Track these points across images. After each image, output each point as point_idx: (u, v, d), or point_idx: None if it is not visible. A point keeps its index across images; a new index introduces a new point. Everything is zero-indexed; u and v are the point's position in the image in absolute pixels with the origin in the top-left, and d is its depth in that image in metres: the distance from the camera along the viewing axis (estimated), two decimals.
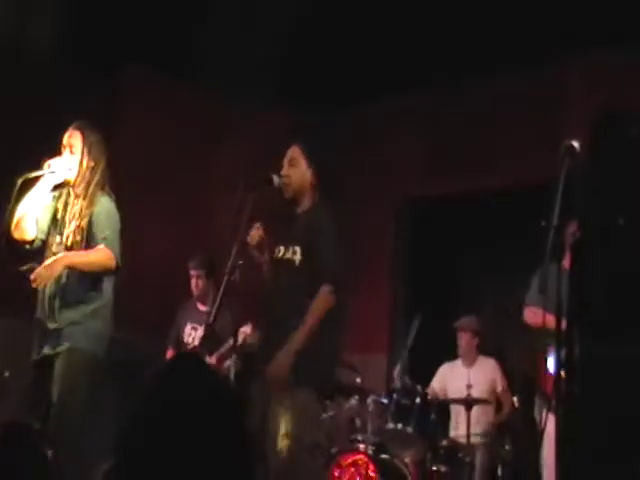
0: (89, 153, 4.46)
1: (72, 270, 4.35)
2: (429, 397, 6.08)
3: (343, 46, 6.89)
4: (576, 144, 3.80)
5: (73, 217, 4.38)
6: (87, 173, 4.44)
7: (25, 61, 6.49)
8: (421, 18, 6.53)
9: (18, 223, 4.39)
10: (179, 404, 1.81)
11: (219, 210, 6.71)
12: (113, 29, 6.53)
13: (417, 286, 7.83)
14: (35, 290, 4.39)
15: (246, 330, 5.71)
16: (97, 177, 4.46)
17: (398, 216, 7.99)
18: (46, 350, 4.35)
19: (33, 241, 4.46)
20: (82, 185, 4.42)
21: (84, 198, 4.40)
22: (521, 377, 6.59)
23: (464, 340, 6.41)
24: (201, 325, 6.18)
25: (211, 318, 3.99)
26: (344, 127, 7.98)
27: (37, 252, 4.47)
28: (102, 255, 4.32)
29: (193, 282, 6.30)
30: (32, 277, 4.20)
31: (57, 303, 4.38)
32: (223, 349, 5.96)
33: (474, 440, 5.86)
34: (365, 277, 7.43)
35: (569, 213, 3.93)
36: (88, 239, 4.35)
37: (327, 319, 3.94)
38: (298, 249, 4.07)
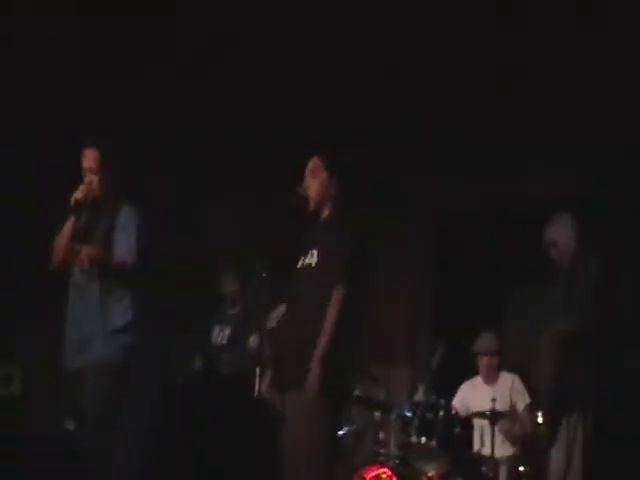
0: (108, 170, 4.63)
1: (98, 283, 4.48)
2: (458, 414, 6.03)
3: (370, 51, 6.89)
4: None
5: (98, 232, 4.60)
6: (108, 189, 4.65)
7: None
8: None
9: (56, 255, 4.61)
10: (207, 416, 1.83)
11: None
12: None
13: (443, 298, 7.79)
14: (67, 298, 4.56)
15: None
16: (118, 190, 4.66)
17: (423, 228, 7.97)
18: (75, 360, 4.44)
19: None
20: (105, 201, 4.64)
21: (106, 212, 4.61)
22: (547, 393, 6.54)
23: (483, 363, 6.39)
24: (229, 325, 6.38)
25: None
26: (374, 134, 7.95)
27: None
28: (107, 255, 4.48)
29: (226, 288, 6.48)
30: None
31: (84, 315, 4.51)
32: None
33: (498, 454, 5.82)
34: (389, 289, 7.41)
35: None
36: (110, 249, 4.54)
37: (341, 324, 3.95)
38: (315, 252, 4.15)
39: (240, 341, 6.15)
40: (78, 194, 4.59)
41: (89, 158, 4.65)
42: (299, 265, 4.21)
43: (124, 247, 4.53)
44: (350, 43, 6.82)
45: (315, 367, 3.86)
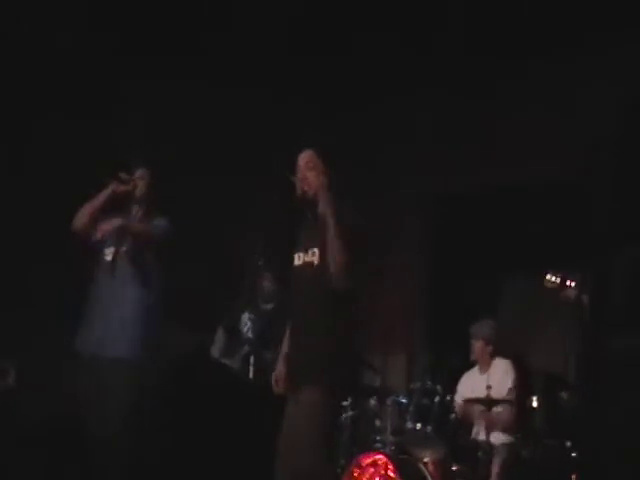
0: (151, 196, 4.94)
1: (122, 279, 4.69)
2: (456, 413, 6.02)
3: (360, 36, 6.88)
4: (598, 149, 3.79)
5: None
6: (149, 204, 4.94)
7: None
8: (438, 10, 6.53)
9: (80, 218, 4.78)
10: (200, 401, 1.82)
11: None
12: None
13: (439, 286, 7.79)
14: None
15: None
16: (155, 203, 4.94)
17: (420, 214, 7.96)
18: (94, 351, 4.59)
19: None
20: (142, 210, 4.92)
21: (141, 218, 4.88)
22: (542, 377, 6.54)
23: (477, 347, 6.34)
24: (259, 318, 6.26)
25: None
26: (365, 121, 7.96)
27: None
28: (145, 229, 4.78)
29: (264, 283, 6.40)
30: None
31: (108, 308, 4.65)
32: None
33: (494, 440, 5.82)
34: (386, 275, 7.40)
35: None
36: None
37: (340, 316, 3.93)
38: (316, 250, 4.06)
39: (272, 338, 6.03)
40: (123, 184, 4.81)
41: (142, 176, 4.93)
42: (298, 262, 4.14)
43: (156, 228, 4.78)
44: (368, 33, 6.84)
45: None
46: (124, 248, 4.74)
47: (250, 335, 6.25)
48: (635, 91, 5.94)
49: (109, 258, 4.77)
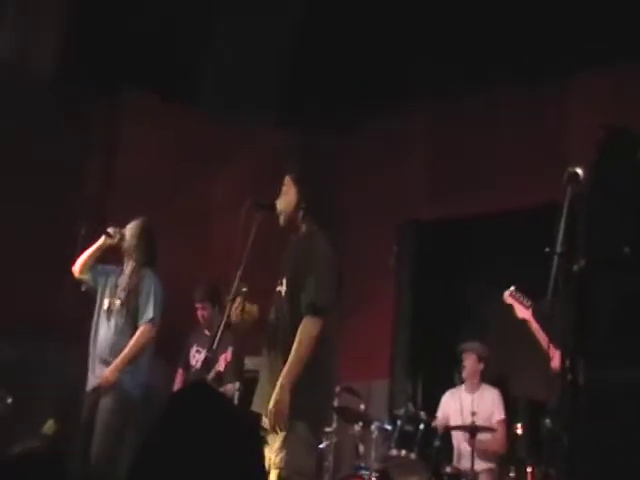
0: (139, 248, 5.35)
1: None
2: (438, 429, 6.00)
3: (344, 67, 6.95)
4: (580, 171, 3.80)
5: (123, 288, 5.27)
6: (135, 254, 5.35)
7: (27, 83, 6.56)
8: (421, 39, 6.58)
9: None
10: (191, 434, 1.78)
11: (220, 232, 6.84)
12: (114, 51, 6.62)
13: (420, 311, 7.79)
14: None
15: (226, 357, 5.85)
16: (142, 255, 5.33)
17: (401, 240, 7.97)
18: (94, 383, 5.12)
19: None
20: (131, 261, 5.33)
21: (131, 273, 5.30)
22: (526, 404, 6.54)
23: (469, 362, 6.34)
24: (204, 348, 6.24)
25: (215, 344, 4.09)
26: (345, 148, 7.99)
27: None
28: (141, 339, 5.18)
29: (199, 313, 6.40)
30: None
31: (106, 343, 5.17)
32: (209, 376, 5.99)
33: (478, 467, 5.82)
34: (368, 302, 7.41)
35: (573, 240, 3.91)
36: (132, 312, 5.23)
37: (315, 351, 3.87)
38: (284, 280, 4.06)
39: (212, 365, 6.03)
40: (110, 238, 5.28)
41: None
42: (277, 288, 4.11)
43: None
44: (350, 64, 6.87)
45: (282, 395, 3.75)
46: (118, 301, 5.24)
47: (198, 366, 6.32)
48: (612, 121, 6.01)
49: (105, 307, 5.28)
